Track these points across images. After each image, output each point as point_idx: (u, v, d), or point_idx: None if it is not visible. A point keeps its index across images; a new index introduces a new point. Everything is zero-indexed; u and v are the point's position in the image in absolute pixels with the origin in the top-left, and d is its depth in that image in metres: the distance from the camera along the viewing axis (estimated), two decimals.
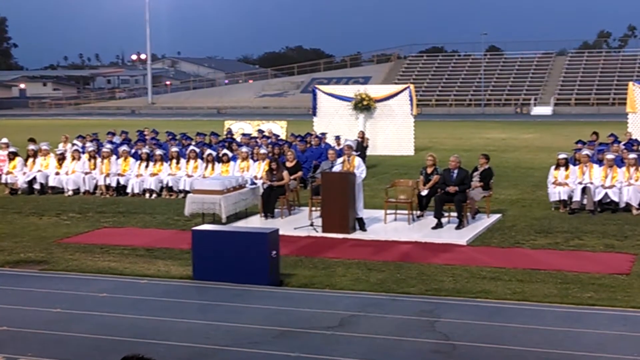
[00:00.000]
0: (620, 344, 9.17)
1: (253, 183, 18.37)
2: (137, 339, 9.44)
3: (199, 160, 21.11)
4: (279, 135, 27.83)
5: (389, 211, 16.77)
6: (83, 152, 22.55)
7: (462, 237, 15.09)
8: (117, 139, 26.09)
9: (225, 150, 21.30)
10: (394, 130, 32.56)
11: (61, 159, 22.31)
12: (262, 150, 20.89)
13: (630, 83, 30.13)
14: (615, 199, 17.60)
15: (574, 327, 9.80)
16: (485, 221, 16.62)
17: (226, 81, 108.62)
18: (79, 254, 14.19)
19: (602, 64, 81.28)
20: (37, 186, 22.02)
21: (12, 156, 22.63)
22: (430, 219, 16.38)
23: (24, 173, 22.26)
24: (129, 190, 21.28)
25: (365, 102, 32.45)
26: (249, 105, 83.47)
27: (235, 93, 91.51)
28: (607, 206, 17.84)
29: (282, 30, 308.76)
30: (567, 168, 18.18)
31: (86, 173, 21.80)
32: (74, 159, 22.20)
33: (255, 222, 16.90)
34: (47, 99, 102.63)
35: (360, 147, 28.08)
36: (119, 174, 21.55)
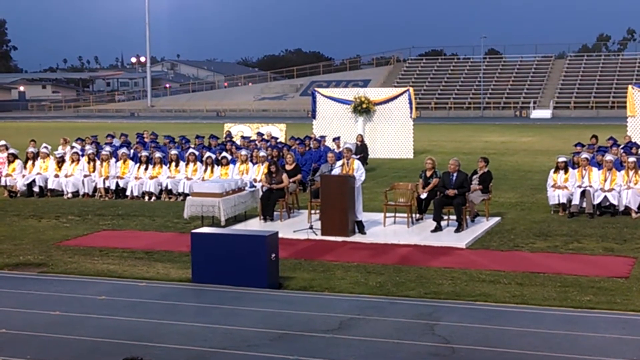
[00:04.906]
0: (620, 347, 9.17)
1: (252, 186, 18.37)
2: (136, 341, 9.43)
3: (198, 163, 21.11)
4: (278, 138, 27.82)
5: (388, 214, 16.76)
6: (82, 155, 22.54)
7: (461, 240, 15.08)
8: (116, 142, 26.08)
9: (224, 153, 21.30)
10: (393, 133, 32.56)
11: (60, 161, 22.29)
12: (262, 153, 20.90)
13: (630, 86, 30.13)
14: (615, 202, 17.60)
15: (573, 330, 9.80)
16: (485, 224, 16.61)
17: (225, 84, 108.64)
18: (78, 256, 14.19)
19: (601, 67, 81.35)
20: (36, 189, 22.00)
21: (11, 158, 22.62)
22: (429, 222, 16.38)
23: (23, 176, 22.24)
24: (128, 192, 21.26)
25: (364, 105, 32.45)
26: (248, 108, 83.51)
27: (234, 96, 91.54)
28: (606, 209, 17.84)
29: (282, 33, 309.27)
30: (566, 171, 18.18)
31: (85, 176, 21.79)
32: (73, 161, 22.18)
33: (255, 225, 16.89)
34: (46, 101, 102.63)
35: (363, 149, 28.07)
36: (118, 177, 21.54)
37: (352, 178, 15.69)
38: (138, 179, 21.30)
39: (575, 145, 21.27)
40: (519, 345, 9.22)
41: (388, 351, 9.10)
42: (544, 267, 12.91)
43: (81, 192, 21.74)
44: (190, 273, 12.28)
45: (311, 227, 15.83)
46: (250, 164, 20.52)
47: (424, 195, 16.83)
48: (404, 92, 33.28)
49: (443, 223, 16.14)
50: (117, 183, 21.49)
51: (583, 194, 17.65)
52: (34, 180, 22.04)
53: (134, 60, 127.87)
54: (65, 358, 8.98)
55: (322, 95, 34.01)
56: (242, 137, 27.76)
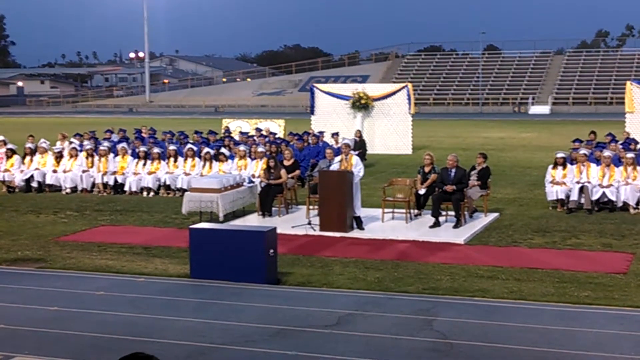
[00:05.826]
0: (618, 343, 9.18)
1: (251, 181, 18.35)
2: (134, 337, 9.43)
3: (197, 159, 21.09)
4: (276, 134, 27.82)
5: (386, 210, 16.76)
6: (81, 150, 22.52)
7: (459, 236, 15.09)
8: (115, 137, 26.06)
9: (223, 149, 21.28)
10: (391, 129, 32.55)
11: (59, 157, 22.29)
12: (260, 149, 20.88)
13: (629, 82, 30.15)
14: (613, 198, 17.61)
15: (571, 326, 9.81)
16: (483, 220, 16.62)
17: (224, 80, 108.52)
18: (76, 252, 14.18)
19: (600, 63, 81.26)
20: (34, 184, 22.00)
21: (9, 154, 22.61)
22: (427, 218, 16.38)
23: (22, 171, 22.23)
24: (126, 188, 21.26)
25: (363, 101, 32.44)
26: (246, 104, 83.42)
27: (233, 91, 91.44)
28: (604, 205, 17.85)
29: (280, 29, 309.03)
30: (564, 167, 18.19)
31: (84, 171, 21.78)
32: (71, 156, 22.18)
33: (253, 221, 16.89)
34: (44, 96, 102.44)
35: (361, 145, 28.10)
36: (114, 173, 21.52)
37: (350, 174, 15.69)
38: (136, 174, 21.29)
39: (574, 141, 21.27)
40: (517, 341, 9.23)
41: (386, 347, 9.10)
42: (542, 263, 12.92)
43: (79, 188, 21.73)
44: (189, 269, 12.28)
45: (309, 223, 15.83)
46: (248, 159, 20.51)
47: (422, 191, 16.83)
48: (403, 87, 33.28)
49: (441, 219, 16.15)
50: (115, 178, 21.48)
51: (581, 189, 17.66)
52: (32, 176, 22.04)
53: (132, 55, 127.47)
54: (63, 353, 8.98)
55: (320, 90, 33.99)
56: (241, 132, 27.73)
